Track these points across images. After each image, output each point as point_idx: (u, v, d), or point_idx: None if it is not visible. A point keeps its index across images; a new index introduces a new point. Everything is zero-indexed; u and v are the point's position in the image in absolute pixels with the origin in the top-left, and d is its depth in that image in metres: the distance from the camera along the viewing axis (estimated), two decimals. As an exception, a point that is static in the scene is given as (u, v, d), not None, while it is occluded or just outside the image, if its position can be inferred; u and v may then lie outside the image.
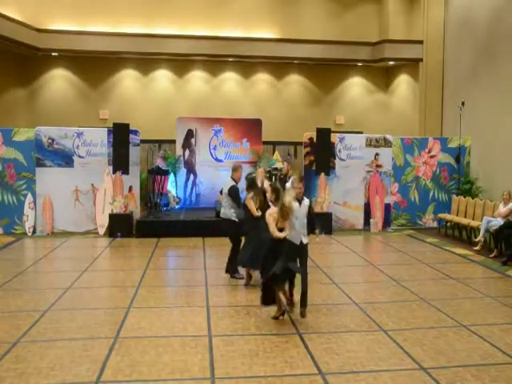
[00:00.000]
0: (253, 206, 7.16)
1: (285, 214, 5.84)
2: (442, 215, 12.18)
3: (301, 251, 6.05)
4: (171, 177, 12.98)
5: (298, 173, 9.03)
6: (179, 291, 7.18)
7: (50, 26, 15.16)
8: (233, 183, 7.63)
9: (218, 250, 9.77)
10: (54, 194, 11.43)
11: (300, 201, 6.09)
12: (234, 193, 7.54)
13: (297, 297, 6.02)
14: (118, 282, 7.69)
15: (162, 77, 16.59)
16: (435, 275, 8.11)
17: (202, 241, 10.65)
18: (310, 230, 6.14)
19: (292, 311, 6.09)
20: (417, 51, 15.49)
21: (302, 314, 5.92)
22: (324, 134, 12.30)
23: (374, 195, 12.37)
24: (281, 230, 5.91)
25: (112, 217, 11.23)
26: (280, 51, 15.91)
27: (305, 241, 6.07)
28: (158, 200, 12.14)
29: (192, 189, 13.46)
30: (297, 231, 6.00)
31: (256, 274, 7.09)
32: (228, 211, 7.58)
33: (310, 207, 6.16)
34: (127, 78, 16.45)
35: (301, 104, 17.11)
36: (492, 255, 9.45)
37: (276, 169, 12.62)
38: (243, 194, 7.58)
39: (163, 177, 12.28)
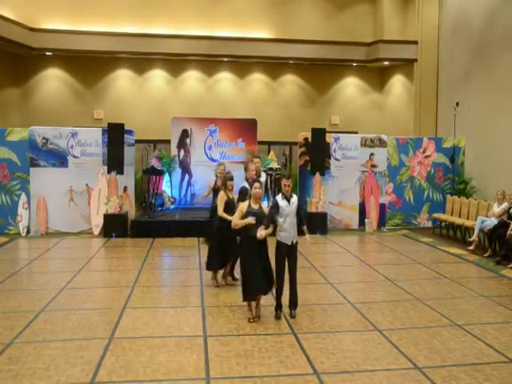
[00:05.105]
0: None
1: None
2: (436, 215, 12.22)
3: (291, 252, 5.82)
4: (166, 177, 12.95)
5: (286, 171, 8.80)
6: (174, 291, 7.16)
7: (43, 25, 15.10)
8: None
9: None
10: (48, 194, 11.38)
11: (288, 199, 5.81)
12: None
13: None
14: (112, 283, 7.66)
15: (157, 77, 16.55)
16: (430, 275, 8.13)
17: (197, 241, 10.63)
18: (299, 227, 5.91)
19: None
20: (411, 51, 15.53)
21: (292, 315, 5.95)
22: (319, 134, 12.31)
23: (369, 195, 12.40)
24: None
25: (107, 217, 11.19)
26: (275, 51, 15.91)
27: (295, 241, 5.86)
28: (153, 200, 12.10)
29: (187, 189, 13.44)
30: (288, 231, 5.76)
31: None
32: None
33: (299, 204, 5.91)
34: (122, 78, 16.40)
35: (296, 104, 17.13)
36: (486, 255, 9.50)
37: (271, 169, 12.60)
38: None
39: (158, 177, 12.24)
